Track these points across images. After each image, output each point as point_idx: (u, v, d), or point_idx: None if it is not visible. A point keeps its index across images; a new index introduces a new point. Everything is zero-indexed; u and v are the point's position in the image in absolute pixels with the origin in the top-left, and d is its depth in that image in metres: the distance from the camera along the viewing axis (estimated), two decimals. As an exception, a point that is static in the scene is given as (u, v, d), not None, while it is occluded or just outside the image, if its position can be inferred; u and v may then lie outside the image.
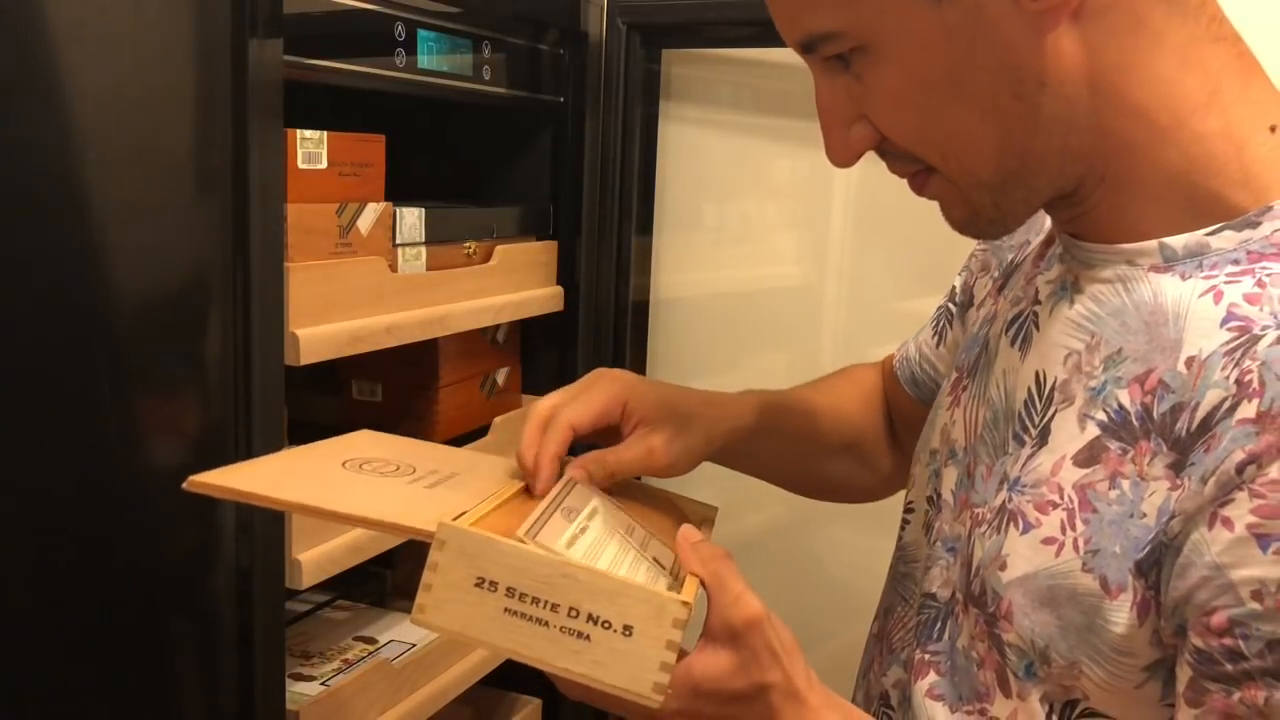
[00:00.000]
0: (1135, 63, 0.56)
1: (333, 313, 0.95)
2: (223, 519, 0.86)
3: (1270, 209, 0.54)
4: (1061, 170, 0.58)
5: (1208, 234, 0.55)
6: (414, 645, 1.17)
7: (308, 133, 0.93)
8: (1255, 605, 0.48)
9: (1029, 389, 0.62)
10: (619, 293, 1.38)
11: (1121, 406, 0.55)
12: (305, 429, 1.17)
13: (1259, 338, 0.51)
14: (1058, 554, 0.57)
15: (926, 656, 0.68)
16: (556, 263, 1.33)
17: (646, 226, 1.42)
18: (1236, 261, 0.54)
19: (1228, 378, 0.50)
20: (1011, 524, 0.60)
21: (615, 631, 0.56)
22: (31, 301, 0.72)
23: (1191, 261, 0.55)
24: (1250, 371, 0.50)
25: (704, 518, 0.83)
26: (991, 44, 0.55)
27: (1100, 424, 0.56)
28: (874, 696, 0.76)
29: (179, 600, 0.85)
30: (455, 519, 0.60)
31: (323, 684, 1.06)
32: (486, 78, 1.19)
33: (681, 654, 0.60)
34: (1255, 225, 0.54)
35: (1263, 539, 0.48)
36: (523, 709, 1.42)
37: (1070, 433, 0.58)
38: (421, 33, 1.08)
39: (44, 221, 0.72)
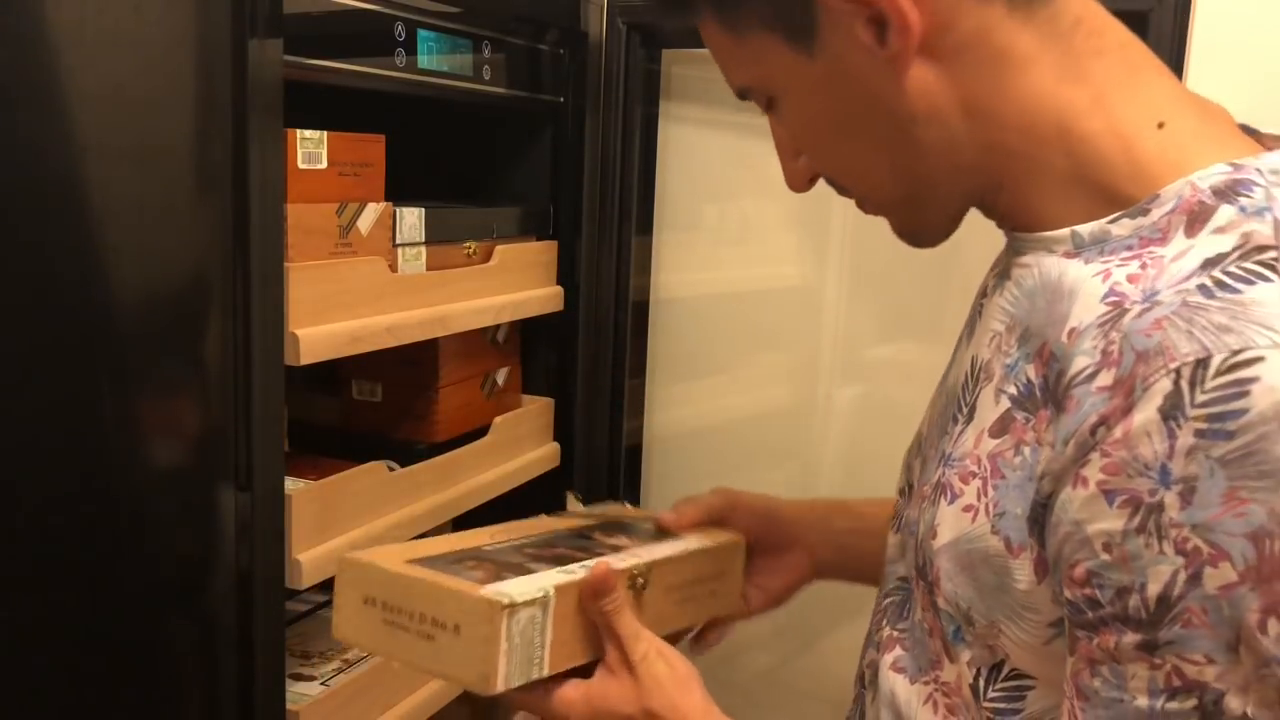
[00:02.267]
0: (1007, 86, 0.60)
1: (333, 313, 0.95)
2: (223, 519, 0.86)
3: (1158, 196, 0.57)
4: (957, 185, 0.64)
5: (1109, 222, 0.58)
6: (414, 645, 1.17)
7: (308, 133, 0.93)
8: (1106, 556, 0.52)
9: (965, 373, 0.67)
10: (619, 293, 1.38)
11: (1028, 380, 0.59)
12: (305, 429, 1.18)
13: (1126, 311, 0.54)
14: (973, 519, 0.61)
15: (895, 633, 0.72)
16: (556, 263, 1.33)
17: (646, 226, 1.42)
18: (1130, 247, 0.57)
19: (1095, 348, 0.54)
20: (942, 495, 0.64)
21: (449, 630, 0.66)
22: (31, 301, 0.72)
23: (1095, 247, 0.59)
24: (1114, 343, 0.53)
25: (723, 546, 0.87)
26: (860, 89, 0.61)
27: (1010, 397, 0.60)
28: (854, 680, 0.80)
29: (179, 600, 0.85)
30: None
31: (323, 684, 1.06)
32: (486, 78, 1.19)
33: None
34: (1146, 213, 0.57)
35: (1109, 494, 0.52)
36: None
37: (988, 406, 0.62)
38: (421, 33, 1.08)
39: (44, 221, 0.72)
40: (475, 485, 1.20)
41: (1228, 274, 0.52)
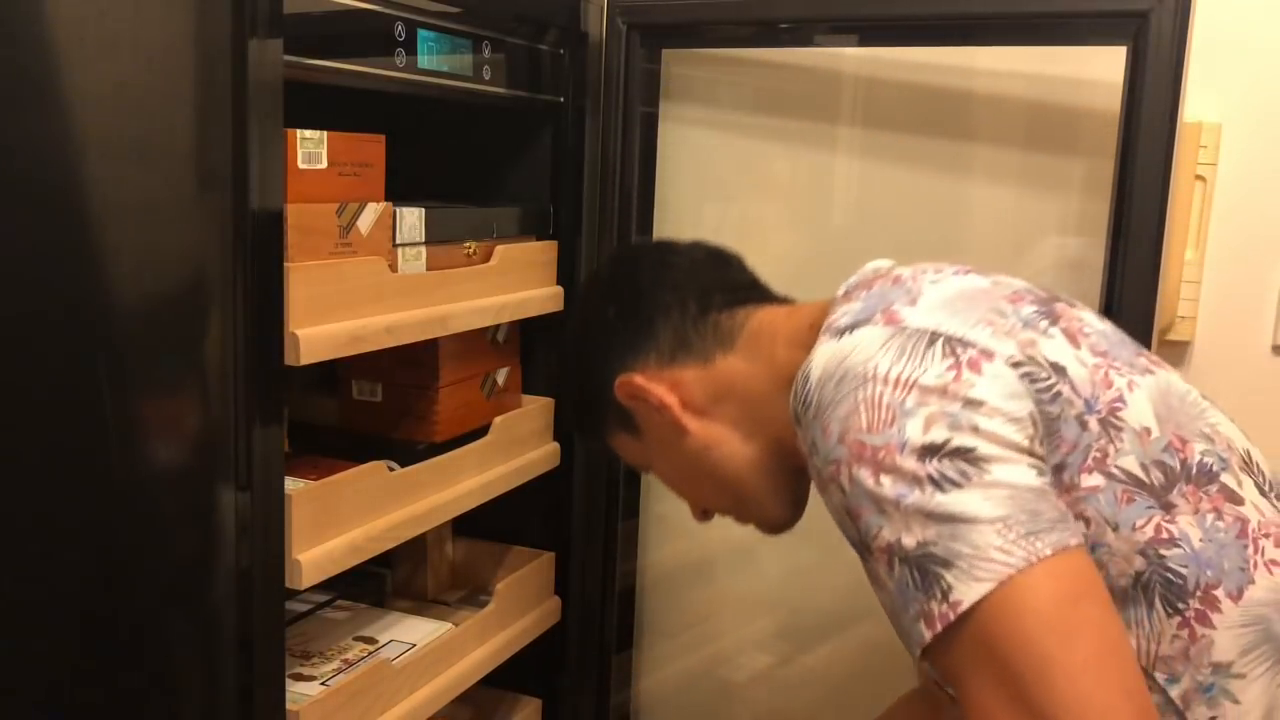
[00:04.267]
0: (747, 394, 0.92)
1: (333, 313, 0.95)
2: (223, 519, 0.86)
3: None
4: (764, 472, 0.93)
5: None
6: (414, 645, 1.17)
7: (308, 133, 0.93)
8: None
9: None
10: (619, 293, 1.38)
11: None
12: (305, 429, 1.18)
13: None
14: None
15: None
16: (556, 263, 1.33)
17: (646, 226, 1.42)
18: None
19: None
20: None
21: None
22: (31, 301, 0.72)
23: None
24: None
25: None
26: (670, 445, 0.96)
27: None
28: None
29: (179, 600, 0.85)
30: None
31: (323, 684, 1.06)
32: (486, 78, 1.19)
33: None
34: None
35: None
36: (523, 709, 1.42)
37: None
38: (421, 33, 1.08)
39: (44, 221, 0.72)
40: (475, 485, 1.20)
41: None
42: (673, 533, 1.53)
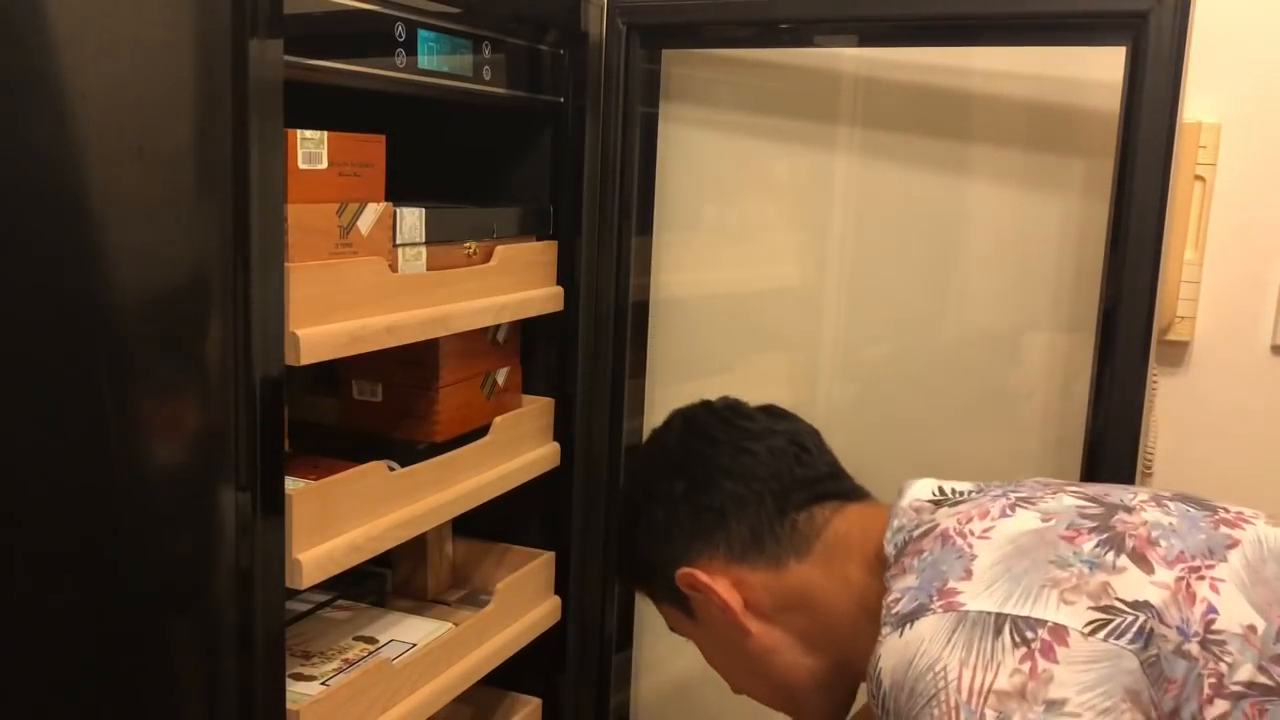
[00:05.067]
0: (815, 609, 0.90)
1: (333, 313, 0.95)
2: (223, 519, 0.86)
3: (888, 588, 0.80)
4: (822, 681, 0.92)
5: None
6: (414, 645, 1.17)
7: (308, 133, 0.93)
8: None
9: None
10: (619, 293, 1.38)
11: None
12: (305, 429, 1.18)
13: None
14: None
15: None
16: (556, 263, 1.33)
17: (646, 226, 1.42)
18: None
19: None
20: None
21: None
22: (31, 301, 0.72)
23: None
24: None
25: None
26: (727, 639, 0.94)
27: None
28: None
29: (179, 600, 0.85)
30: None
31: (323, 684, 1.06)
32: (486, 78, 1.19)
33: None
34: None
35: None
36: (523, 709, 1.42)
37: None
38: (421, 33, 1.08)
39: (44, 221, 0.72)
40: (475, 485, 1.20)
41: None
42: (673, 533, 1.53)
